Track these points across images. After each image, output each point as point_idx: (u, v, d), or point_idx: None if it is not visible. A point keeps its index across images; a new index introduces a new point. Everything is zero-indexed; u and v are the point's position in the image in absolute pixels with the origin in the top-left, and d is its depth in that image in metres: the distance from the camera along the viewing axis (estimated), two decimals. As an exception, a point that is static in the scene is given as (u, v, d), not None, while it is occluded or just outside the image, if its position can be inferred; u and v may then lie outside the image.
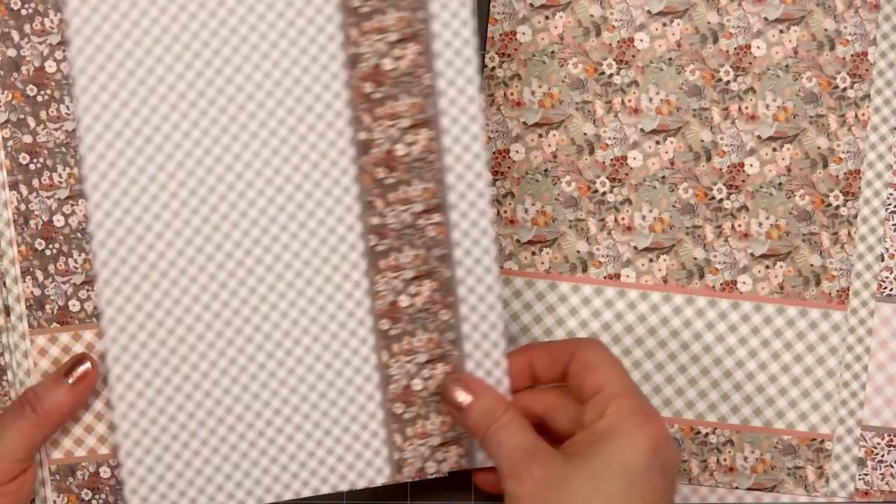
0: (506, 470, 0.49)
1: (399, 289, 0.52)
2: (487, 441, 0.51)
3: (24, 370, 0.55)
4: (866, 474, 0.59)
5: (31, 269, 0.55)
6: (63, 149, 0.55)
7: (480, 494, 0.60)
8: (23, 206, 0.55)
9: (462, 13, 0.51)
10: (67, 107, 0.55)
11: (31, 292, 0.55)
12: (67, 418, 0.54)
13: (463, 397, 0.52)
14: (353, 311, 0.52)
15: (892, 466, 0.60)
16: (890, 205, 0.59)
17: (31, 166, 0.55)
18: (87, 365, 0.53)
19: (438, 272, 0.52)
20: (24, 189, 0.55)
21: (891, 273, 0.59)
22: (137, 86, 0.50)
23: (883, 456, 0.59)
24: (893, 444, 0.59)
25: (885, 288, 0.59)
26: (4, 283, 0.55)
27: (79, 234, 0.55)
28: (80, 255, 0.55)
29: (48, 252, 0.55)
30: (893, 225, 0.59)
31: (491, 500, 0.60)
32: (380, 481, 0.54)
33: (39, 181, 0.55)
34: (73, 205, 0.55)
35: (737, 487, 0.59)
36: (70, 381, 0.53)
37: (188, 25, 0.50)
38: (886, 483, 0.60)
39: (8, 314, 0.55)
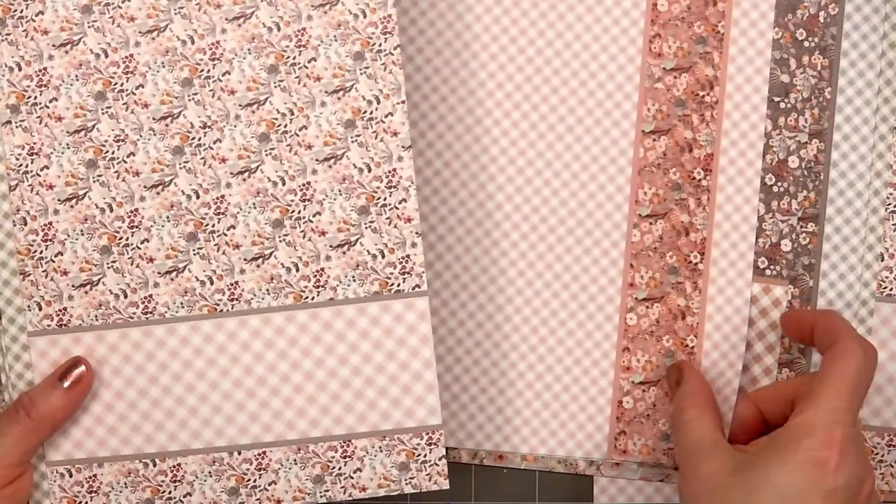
0: (680, 463, 0.52)
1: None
2: (676, 429, 0.53)
3: (15, 373, 0.54)
4: (866, 474, 0.60)
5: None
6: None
7: (480, 498, 0.60)
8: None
9: (872, 38, 0.54)
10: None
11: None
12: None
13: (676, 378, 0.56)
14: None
15: (892, 466, 0.60)
16: (890, 204, 0.59)
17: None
18: (82, 368, 0.53)
19: (802, 280, 0.56)
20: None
21: (891, 273, 0.59)
22: None
23: (883, 456, 0.60)
24: (893, 444, 0.60)
25: (885, 288, 0.59)
26: (-2, 287, 0.55)
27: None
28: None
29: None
30: (893, 225, 0.59)
31: (493, 502, 0.60)
32: None
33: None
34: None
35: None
36: (65, 385, 0.53)
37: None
38: (886, 483, 0.60)
39: (-1, 317, 0.55)
